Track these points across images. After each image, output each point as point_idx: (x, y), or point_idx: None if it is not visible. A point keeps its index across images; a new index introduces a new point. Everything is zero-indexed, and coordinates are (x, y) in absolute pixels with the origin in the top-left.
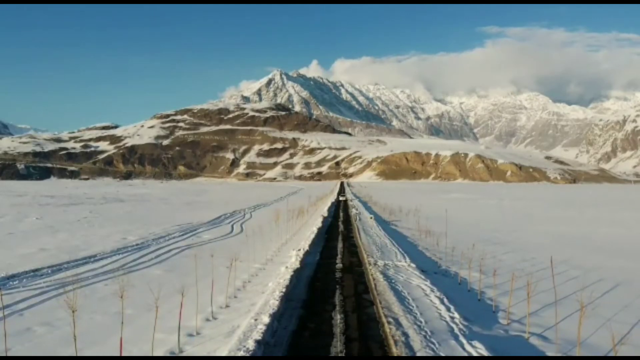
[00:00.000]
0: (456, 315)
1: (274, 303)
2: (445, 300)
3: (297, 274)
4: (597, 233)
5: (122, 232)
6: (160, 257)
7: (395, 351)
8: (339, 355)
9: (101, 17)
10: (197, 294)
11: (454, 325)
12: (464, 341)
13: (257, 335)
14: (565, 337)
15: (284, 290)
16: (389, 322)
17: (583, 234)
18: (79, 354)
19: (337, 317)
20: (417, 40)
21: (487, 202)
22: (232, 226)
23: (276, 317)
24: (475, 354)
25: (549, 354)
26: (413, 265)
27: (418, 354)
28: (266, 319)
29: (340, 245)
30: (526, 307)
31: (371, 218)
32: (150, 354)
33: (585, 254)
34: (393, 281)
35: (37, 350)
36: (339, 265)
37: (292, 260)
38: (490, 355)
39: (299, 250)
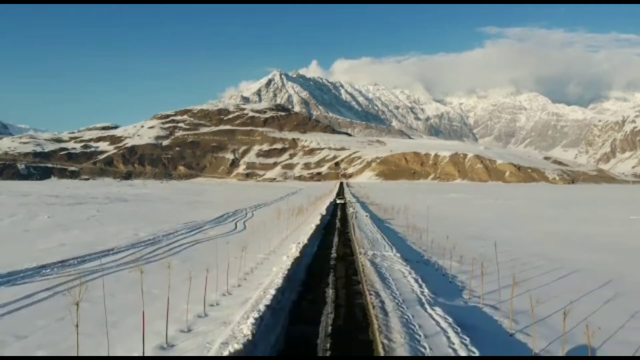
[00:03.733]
0: (426, 290)
1: (278, 282)
2: (419, 280)
3: (297, 261)
4: (579, 230)
5: (131, 229)
6: (173, 250)
7: (373, 312)
8: (330, 311)
9: (101, 17)
10: (216, 275)
11: (422, 297)
12: (427, 307)
13: (266, 302)
14: (510, 307)
15: (286, 272)
16: (370, 294)
17: (565, 231)
18: (121, 323)
19: (330, 292)
20: (417, 41)
21: (482, 202)
22: (236, 224)
23: (280, 291)
24: (435, 316)
25: (495, 317)
26: (398, 255)
27: (391, 318)
28: (272, 292)
29: (336, 239)
30: (489, 287)
31: (367, 216)
32: (184, 317)
33: (558, 248)
34: (378, 266)
35: (89, 318)
36: (334, 255)
37: (293, 250)
38: (451, 319)
39: (299, 243)
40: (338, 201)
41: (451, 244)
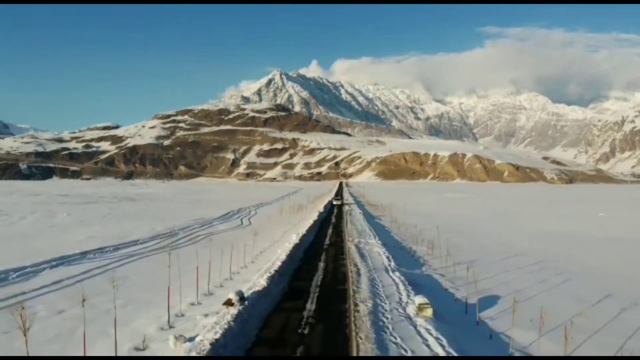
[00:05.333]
0: (393, 263)
1: (282, 257)
2: (390, 257)
3: (297, 246)
4: (546, 225)
5: (147, 225)
6: (191, 240)
7: (350, 275)
8: (320, 274)
9: (101, 17)
10: (236, 256)
11: (389, 267)
12: (390, 272)
13: (275, 268)
14: (455, 276)
15: (288, 252)
16: (350, 265)
17: (533, 226)
18: (162, 287)
19: (321, 264)
20: (417, 41)
21: (474, 201)
22: (242, 220)
23: (284, 263)
24: (394, 277)
25: (439, 280)
26: (380, 242)
27: (362, 277)
28: (279, 263)
29: (330, 231)
30: (444, 264)
31: (360, 213)
32: (217, 280)
33: (520, 239)
34: (361, 249)
35: (141, 284)
36: (327, 242)
37: (293, 238)
38: (406, 278)
39: (299, 233)
40: (335, 202)
41: (422, 234)
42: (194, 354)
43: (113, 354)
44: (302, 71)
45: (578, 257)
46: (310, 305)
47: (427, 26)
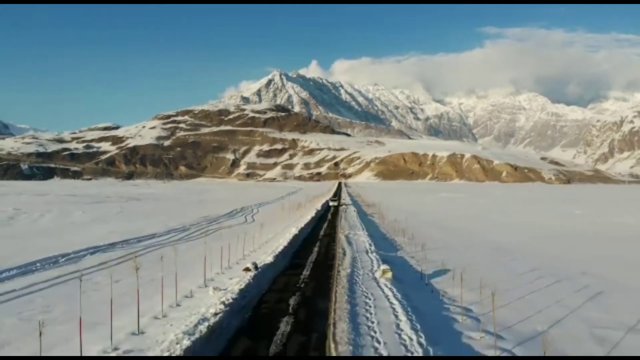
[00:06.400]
0: (373, 247)
1: (284, 244)
2: (372, 244)
3: (296, 236)
4: (524, 221)
5: (159, 222)
6: (203, 234)
7: (337, 255)
8: (314, 255)
9: (101, 17)
10: (245, 244)
11: (369, 250)
12: (370, 253)
13: (278, 251)
14: (421, 257)
15: (289, 240)
16: (339, 248)
17: (512, 222)
18: (191, 267)
19: (316, 249)
20: (417, 41)
21: (466, 200)
22: (245, 217)
23: (286, 247)
24: (371, 256)
25: (409, 260)
26: (367, 233)
27: (347, 256)
28: (281, 248)
29: (325, 225)
30: (417, 249)
31: (354, 211)
32: (232, 259)
33: (494, 232)
34: (350, 239)
35: (171, 266)
36: (322, 233)
37: (293, 230)
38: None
39: (298, 227)
40: (331, 203)
41: (406, 228)
42: (229, 295)
43: (173, 302)
44: (302, 71)
45: (532, 245)
46: (306, 272)
47: (427, 26)
